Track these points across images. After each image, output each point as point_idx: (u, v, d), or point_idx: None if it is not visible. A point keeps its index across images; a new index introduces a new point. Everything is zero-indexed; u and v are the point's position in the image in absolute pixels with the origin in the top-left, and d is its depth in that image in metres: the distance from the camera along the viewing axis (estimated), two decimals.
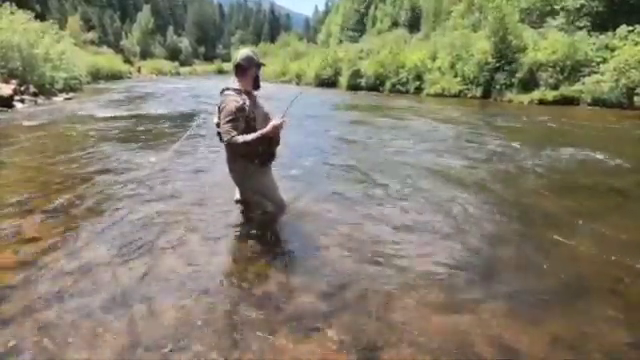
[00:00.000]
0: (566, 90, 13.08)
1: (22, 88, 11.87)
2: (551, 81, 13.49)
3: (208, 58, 75.00)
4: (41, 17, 20.40)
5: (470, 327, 1.80)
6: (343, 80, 21.45)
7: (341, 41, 41.16)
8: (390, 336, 1.73)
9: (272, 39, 69.48)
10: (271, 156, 2.80)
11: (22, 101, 10.95)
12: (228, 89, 2.67)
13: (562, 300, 2.05)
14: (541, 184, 4.13)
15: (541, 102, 13.28)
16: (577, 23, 15.84)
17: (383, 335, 1.74)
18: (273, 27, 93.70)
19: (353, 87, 20.39)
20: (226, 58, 68.59)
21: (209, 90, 19.07)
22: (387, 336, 1.73)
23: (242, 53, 2.76)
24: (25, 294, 2.02)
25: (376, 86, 19.67)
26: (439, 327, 1.80)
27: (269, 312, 1.90)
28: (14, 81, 11.80)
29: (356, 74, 20.59)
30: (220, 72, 55.99)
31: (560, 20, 16.44)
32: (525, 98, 13.83)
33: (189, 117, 9.38)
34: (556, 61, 13.50)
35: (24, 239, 2.63)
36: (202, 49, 79.57)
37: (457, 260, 2.43)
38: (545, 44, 14.33)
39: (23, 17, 14.55)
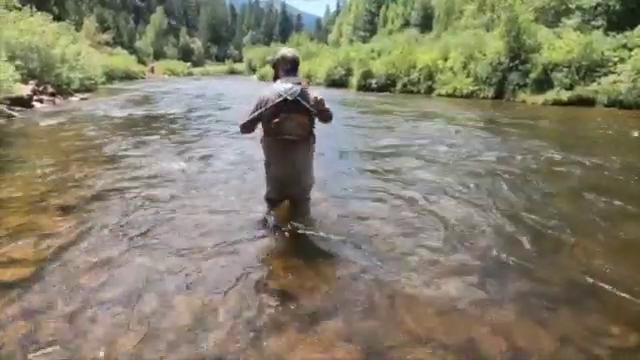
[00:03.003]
0: (582, 90, 12.83)
1: (40, 88, 12.18)
2: (566, 81, 13.25)
3: (220, 59, 75.74)
4: (58, 19, 20.90)
5: (478, 327, 1.80)
6: (354, 80, 21.43)
7: (352, 41, 41.11)
8: (398, 335, 1.75)
9: (283, 40, 69.80)
10: None
11: (40, 101, 11.24)
12: (299, 84, 2.78)
13: (572, 302, 2.03)
14: (553, 186, 4.08)
15: (555, 103, 13.06)
16: (593, 22, 15.54)
17: (391, 334, 1.76)
18: (284, 28, 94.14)
19: (364, 87, 20.37)
20: (237, 59, 69.12)
21: (223, 91, 19.28)
22: (395, 335, 1.75)
23: (293, 51, 2.94)
24: (44, 287, 2.09)
25: (387, 86, 19.61)
26: (447, 327, 1.81)
27: (284, 308, 1.94)
28: (33, 81, 12.12)
29: (367, 74, 20.56)
30: (232, 72, 56.43)
31: (575, 19, 16.15)
32: (539, 99, 13.62)
33: (206, 118, 9.49)
34: (571, 61, 13.25)
35: (43, 234, 2.71)
36: (214, 50, 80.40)
37: (467, 260, 2.43)
38: (560, 43, 14.08)
39: (41, 19, 14.95)
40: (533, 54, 14.47)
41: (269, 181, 3.06)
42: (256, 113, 2.73)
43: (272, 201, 3.11)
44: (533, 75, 14.13)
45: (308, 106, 2.73)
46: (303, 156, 2.92)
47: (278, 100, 2.68)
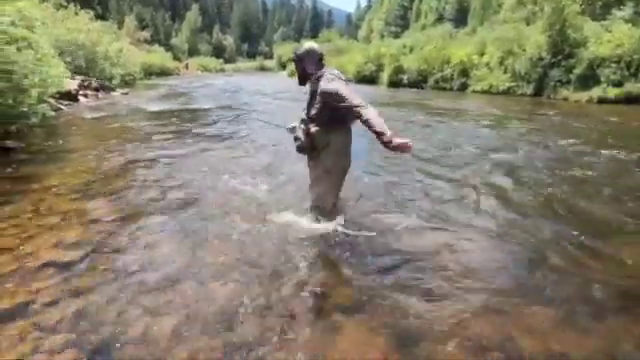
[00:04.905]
0: (632, 87, 11.96)
1: (85, 83, 12.88)
2: (614, 77, 12.39)
3: (251, 55, 76.86)
4: (102, 18, 22.01)
5: (518, 331, 1.74)
6: (384, 76, 21.10)
7: (383, 36, 40.49)
8: (434, 333, 1.72)
9: (314, 36, 69.76)
10: None
11: (85, 95, 11.89)
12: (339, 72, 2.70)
13: (616, 309, 1.92)
14: (599, 189, 3.85)
15: (601, 100, 12.26)
16: None
17: (426, 331, 1.73)
18: (315, 24, 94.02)
19: (394, 83, 20.02)
20: (268, 55, 69.86)
21: (253, 87, 19.57)
22: (431, 333, 1.72)
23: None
24: (91, 269, 2.22)
25: (418, 82, 19.17)
26: (485, 328, 1.76)
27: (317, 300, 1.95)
28: (79, 77, 12.83)
29: (398, 70, 20.17)
30: (262, 69, 57.14)
31: (628, 10, 15.03)
32: (583, 96, 12.83)
33: (237, 111, 9.66)
34: (621, 55, 12.37)
35: (90, 219, 2.88)
36: (245, 46, 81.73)
37: (509, 262, 2.35)
38: (608, 37, 13.18)
39: (87, 17, 15.80)
40: (578, 49, 13.63)
41: (335, 182, 2.72)
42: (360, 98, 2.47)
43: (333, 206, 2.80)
44: (577, 71, 13.31)
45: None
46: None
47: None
